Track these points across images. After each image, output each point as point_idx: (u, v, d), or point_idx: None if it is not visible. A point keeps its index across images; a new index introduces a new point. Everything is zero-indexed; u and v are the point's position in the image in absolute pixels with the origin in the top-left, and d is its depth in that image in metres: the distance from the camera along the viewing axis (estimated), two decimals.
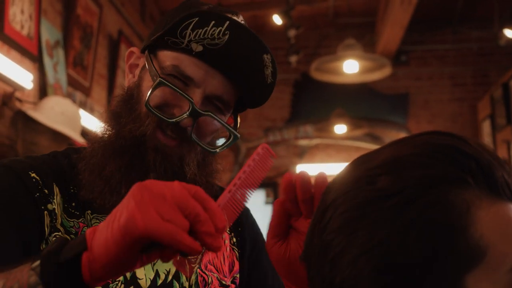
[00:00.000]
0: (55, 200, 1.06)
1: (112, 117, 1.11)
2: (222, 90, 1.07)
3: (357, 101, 6.86)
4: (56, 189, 1.08)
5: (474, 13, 6.84)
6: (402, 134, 6.70)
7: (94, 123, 4.36)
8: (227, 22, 1.01)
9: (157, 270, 1.10)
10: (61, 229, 1.05)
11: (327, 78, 5.86)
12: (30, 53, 3.72)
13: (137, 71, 1.15)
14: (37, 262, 0.77)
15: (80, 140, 3.48)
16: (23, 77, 3.35)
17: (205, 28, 1.01)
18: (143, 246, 0.74)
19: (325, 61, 5.50)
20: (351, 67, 5.55)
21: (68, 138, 3.44)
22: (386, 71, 5.60)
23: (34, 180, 1.05)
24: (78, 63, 4.47)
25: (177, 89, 1.04)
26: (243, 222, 1.28)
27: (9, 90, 3.39)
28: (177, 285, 1.11)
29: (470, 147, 0.68)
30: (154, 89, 1.04)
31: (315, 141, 6.98)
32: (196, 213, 0.74)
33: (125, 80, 1.18)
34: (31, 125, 3.37)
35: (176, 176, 1.06)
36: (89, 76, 4.67)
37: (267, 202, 7.14)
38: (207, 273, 1.17)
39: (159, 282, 1.09)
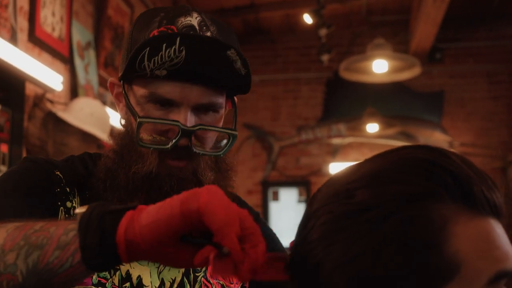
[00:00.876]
0: (75, 199, 1.10)
1: (116, 156, 1.13)
2: (204, 98, 1.08)
3: (390, 100, 6.80)
4: (75, 190, 1.12)
5: (510, 10, 6.71)
6: (436, 133, 6.62)
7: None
8: (178, 38, 1.02)
9: (162, 279, 1.12)
10: None
11: (357, 78, 5.82)
12: (61, 55, 3.79)
13: (124, 101, 1.16)
14: (79, 214, 0.79)
15: (108, 140, 3.52)
16: (53, 79, 3.42)
17: (160, 53, 1.01)
18: (186, 235, 0.75)
19: (354, 61, 5.46)
20: (380, 66, 5.51)
21: (97, 139, 3.49)
22: (416, 71, 5.53)
23: (58, 177, 1.10)
24: (109, 63, 4.54)
25: (159, 121, 1.06)
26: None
27: (40, 92, 3.46)
28: None
29: (449, 161, 0.68)
30: (138, 129, 1.06)
31: (348, 140, 6.94)
32: (251, 232, 0.74)
33: (118, 108, 1.19)
34: (61, 126, 3.44)
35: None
36: None
37: (299, 201, 7.13)
38: (211, 281, 1.18)
39: None
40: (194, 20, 1.09)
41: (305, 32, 7.05)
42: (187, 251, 0.76)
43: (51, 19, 3.68)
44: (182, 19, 1.08)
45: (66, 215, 1.09)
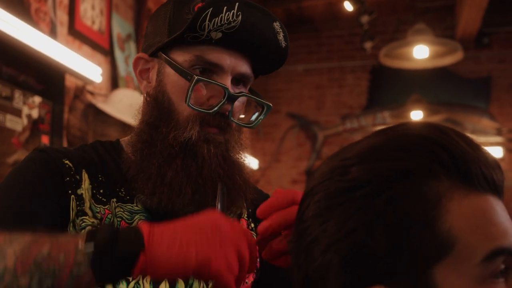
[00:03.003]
0: (83, 186, 1.13)
1: (150, 128, 1.16)
2: (244, 67, 1.15)
3: (436, 86, 6.68)
4: (85, 176, 1.14)
5: None
6: (484, 119, 6.48)
7: None
8: (237, 4, 1.07)
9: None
10: (89, 213, 1.11)
11: (397, 64, 5.73)
12: (101, 47, 3.86)
13: (152, 76, 1.19)
14: (89, 245, 0.84)
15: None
16: (93, 71, 3.48)
17: (220, 15, 1.07)
18: None
19: (395, 47, 5.38)
20: (421, 52, 5.40)
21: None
22: (458, 55, 5.41)
23: (67, 166, 1.13)
24: None
25: (214, 81, 1.11)
26: None
27: (80, 84, 3.53)
28: (197, 286, 1.15)
29: (446, 137, 0.67)
30: (193, 87, 1.10)
31: None
32: (244, 263, 0.86)
33: (140, 86, 1.22)
34: (101, 117, 3.50)
35: (225, 160, 1.15)
36: None
37: None
38: None
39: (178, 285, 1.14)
40: None
41: (348, 20, 6.97)
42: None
43: (91, 12, 3.75)
44: None
45: (77, 202, 1.11)
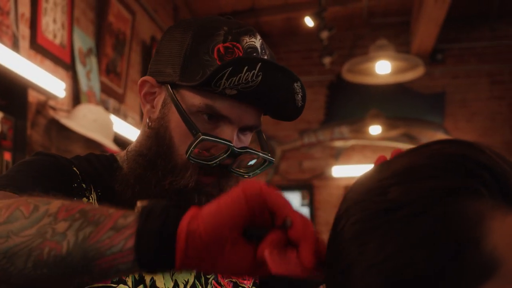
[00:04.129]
0: (92, 195, 1.11)
1: (146, 163, 1.13)
2: (254, 120, 1.12)
3: (393, 101, 6.79)
4: (91, 186, 1.12)
5: (511, 10, 6.70)
6: (439, 134, 6.61)
7: (127, 130, 4.41)
8: (259, 64, 1.04)
9: (176, 280, 1.12)
10: None
11: (360, 80, 5.81)
12: (63, 62, 3.78)
13: (157, 103, 1.16)
14: (133, 214, 0.77)
15: (112, 147, 3.51)
16: (56, 85, 3.40)
17: (239, 75, 1.03)
18: (247, 229, 0.74)
19: (357, 62, 5.46)
20: (383, 67, 5.49)
21: (100, 145, 3.48)
22: (419, 71, 5.52)
23: (75, 172, 1.11)
24: (111, 70, 4.53)
25: (219, 140, 1.07)
26: None
27: (42, 99, 3.45)
28: None
29: (484, 156, 0.65)
30: (196, 145, 1.07)
31: (351, 142, 6.93)
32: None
33: (143, 109, 1.19)
34: (64, 133, 3.43)
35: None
36: (123, 82, 4.72)
37: (303, 205, 7.11)
38: (222, 282, 1.18)
39: None
40: (257, 42, 1.12)
41: (306, 35, 7.04)
42: (246, 248, 0.74)
43: (52, 26, 3.67)
44: (247, 39, 1.11)
45: None
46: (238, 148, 1.09)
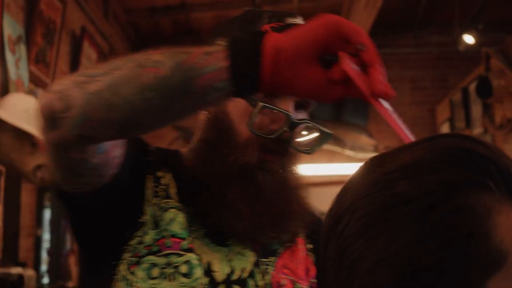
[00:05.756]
0: (166, 174, 1.15)
1: (208, 147, 1.15)
2: None
3: (318, 104, 6.88)
4: (164, 169, 1.16)
5: (435, 18, 6.95)
6: (362, 136, 6.77)
7: None
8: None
9: (233, 266, 1.14)
10: (175, 198, 1.13)
11: None
12: None
13: None
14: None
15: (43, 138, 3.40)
16: None
17: None
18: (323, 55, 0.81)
19: None
20: None
21: (32, 136, 3.37)
22: None
23: (152, 149, 1.18)
24: (41, 59, 4.39)
25: (278, 108, 1.08)
26: (319, 230, 1.31)
27: None
28: (251, 283, 1.14)
29: (488, 149, 0.67)
30: (257, 113, 1.07)
31: None
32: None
33: None
34: None
35: (282, 188, 1.15)
36: (51, 73, 4.59)
37: None
38: (280, 275, 1.19)
39: (234, 277, 1.13)
40: (300, 21, 1.16)
41: None
42: (320, 69, 0.81)
43: None
44: (290, 19, 1.15)
45: (155, 184, 1.13)
46: (296, 119, 1.10)
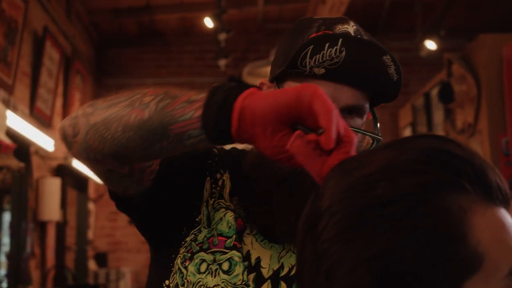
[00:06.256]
0: (225, 174, 1.19)
1: (260, 153, 1.16)
2: (353, 100, 1.11)
3: None
4: (227, 168, 1.21)
5: (398, 24, 7.05)
6: None
7: (17, 122, 4.22)
8: (340, 40, 1.06)
9: (282, 263, 1.15)
10: (226, 197, 1.17)
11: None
12: None
13: None
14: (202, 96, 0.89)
15: (5, 139, 3.34)
16: None
17: (322, 52, 1.06)
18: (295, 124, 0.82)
19: (258, 65, 5.52)
20: None
21: None
22: None
23: (214, 151, 1.21)
24: (2, 59, 4.31)
25: None
26: None
27: None
28: None
29: (463, 151, 0.67)
30: None
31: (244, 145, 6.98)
32: (348, 140, 0.79)
33: None
34: None
35: (315, 192, 1.15)
36: (13, 73, 4.50)
37: None
38: None
39: (282, 274, 1.14)
40: (350, 28, 1.13)
41: (200, 36, 7.04)
42: (284, 138, 0.81)
43: None
44: (340, 26, 1.13)
45: (213, 185, 1.18)
46: None
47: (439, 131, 5.56)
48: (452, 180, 0.65)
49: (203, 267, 1.13)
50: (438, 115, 5.68)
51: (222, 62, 6.03)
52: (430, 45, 5.98)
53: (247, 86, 0.87)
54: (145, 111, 0.92)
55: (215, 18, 5.42)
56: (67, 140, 1.03)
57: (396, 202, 0.64)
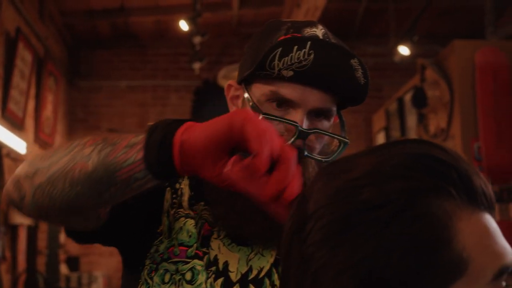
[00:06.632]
0: (183, 181, 1.19)
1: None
2: (320, 103, 1.11)
3: None
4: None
5: (371, 30, 7.10)
6: None
7: None
8: (309, 43, 1.07)
9: (251, 266, 1.15)
10: (185, 205, 1.18)
11: None
12: None
13: (239, 103, 1.20)
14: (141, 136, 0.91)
15: None
16: None
17: (290, 55, 1.07)
18: (233, 151, 0.84)
19: (234, 69, 5.52)
20: None
21: None
22: None
23: None
24: None
25: (280, 119, 1.09)
26: None
27: None
28: (268, 282, 1.14)
29: (448, 155, 0.67)
30: None
31: None
32: (284, 162, 0.82)
33: (231, 111, 1.22)
34: None
35: (301, 195, 1.15)
36: None
37: None
38: None
39: (250, 276, 1.14)
40: (319, 31, 1.14)
41: (175, 39, 7.02)
42: (221, 163, 0.84)
43: None
44: (308, 29, 1.14)
45: (174, 195, 1.18)
46: (305, 129, 1.09)
47: (412, 135, 5.61)
48: (437, 185, 0.65)
49: (167, 277, 1.13)
50: (411, 120, 5.72)
51: (197, 65, 6.02)
52: (404, 50, 6.03)
53: (184, 120, 0.90)
54: (89, 163, 0.94)
55: (190, 21, 5.41)
56: (15, 203, 1.04)
57: (381, 207, 0.64)
